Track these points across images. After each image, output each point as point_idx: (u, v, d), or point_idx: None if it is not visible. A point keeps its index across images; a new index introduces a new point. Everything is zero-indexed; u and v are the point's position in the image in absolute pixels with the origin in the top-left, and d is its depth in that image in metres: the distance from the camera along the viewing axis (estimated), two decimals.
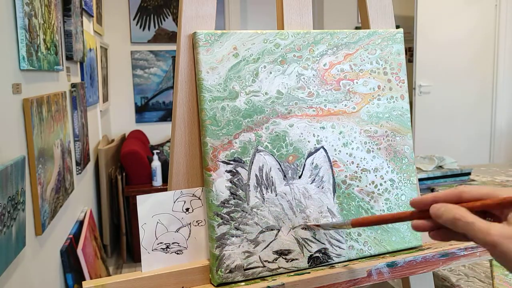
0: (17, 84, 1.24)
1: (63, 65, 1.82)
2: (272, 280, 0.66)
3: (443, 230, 0.50)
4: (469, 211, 0.46)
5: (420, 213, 0.51)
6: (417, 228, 0.51)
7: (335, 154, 0.72)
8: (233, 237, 0.66)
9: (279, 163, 0.69)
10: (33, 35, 1.34)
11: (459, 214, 0.46)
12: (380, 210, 0.75)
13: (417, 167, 1.70)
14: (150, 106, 4.15)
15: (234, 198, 0.66)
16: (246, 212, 0.67)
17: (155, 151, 3.15)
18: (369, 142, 0.75)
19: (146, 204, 0.65)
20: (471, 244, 0.76)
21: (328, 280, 0.67)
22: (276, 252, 0.68)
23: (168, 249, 0.66)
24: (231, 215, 0.66)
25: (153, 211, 0.65)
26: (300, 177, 0.70)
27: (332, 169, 0.72)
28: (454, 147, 4.11)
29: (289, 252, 0.69)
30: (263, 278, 0.67)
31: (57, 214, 1.57)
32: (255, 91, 0.68)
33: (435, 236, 0.51)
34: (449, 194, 0.49)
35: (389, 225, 0.75)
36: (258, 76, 0.69)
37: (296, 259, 0.69)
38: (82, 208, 2.21)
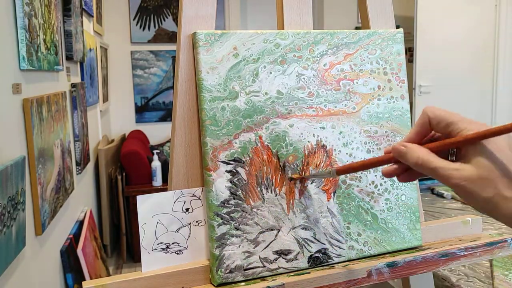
0: (17, 84, 1.24)
1: (63, 65, 1.82)
2: (272, 280, 0.66)
3: (410, 172, 0.50)
4: (433, 154, 0.47)
5: (389, 159, 0.51)
6: (386, 174, 0.51)
7: (335, 154, 0.72)
8: (233, 237, 0.66)
9: (279, 163, 0.69)
10: (33, 35, 1.34)
11: (421, 159, 0.47)
12: (380, 210, 0.75)
13: None
14: (150, 106, 4.15)
15: (234, 198, 0.66)
16: (246, 212, 0.67)
17: (155, 151, 3.15)
18: (369, 142, 0.75)
19: (146, 204, 0.65)
20: (471, 244, 0.76)
21: (328, 280, 0.67)
22: (276, 252, 0.68)
23: (168, 249, 0.66)
24: (231, 215, 0.66)
25: (153, 211, 0.65)
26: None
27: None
28: None
29: (289, 252, 0.69)
30: (263, 278, 0.67)
31: (57, 214, 1.57)
32: (255, 91, 0.68)
33: (404, 179, 0.51)
34: (418, 128, 0.49)
35: (389, 225, 0.75)
36: (258, 76, 0.69)
37: (296, 259, 0.69)
38: (82, 208, 2.21)
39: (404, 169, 0.50)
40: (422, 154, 0.47)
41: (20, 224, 1.14)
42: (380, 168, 0.75)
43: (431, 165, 0.46)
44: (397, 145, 0.49)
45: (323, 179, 0.71)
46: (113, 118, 4.01)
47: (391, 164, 0.51)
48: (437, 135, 0.50)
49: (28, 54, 1.28)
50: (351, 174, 0.73)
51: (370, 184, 0.74)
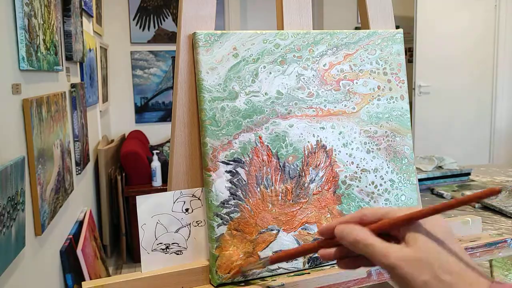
0: (16, 84, 1.24)
1: (62, 66, 1.82)
2: (272, 280, 0.66)
3: (350, 258, 0.48)
4: (371, 233, 0.45)
5: (327, 242, 0.50)
6: (323, 257, 0.50)
7: (335, 155, 0.72)
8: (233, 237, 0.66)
9: (279, 163, 0.69)
10: (32, 36, 1.34)
11: (359, 236, 0.45)
12: None
13: (416, 168, 1.70)
14: (150, 107, 4.15)
15: (234, 199, 0.66)
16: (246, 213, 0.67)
17: (154, 152, 3.15)
18: (369, 143, 0.75)
19: (145, 204, 0.65)
20: (470, 244, 0.76)
21: (328, 281, 0.67)
22: (276, 253, 0.68)
23: (167, 250, 0.66)
24: (231, 215, 0.66)
25: (153, 211, 0.65)
26: (300, 177, 0.70)
27: (332, 170, 0.72)
28: (453, 147, 4.11)
29: None
30: (262, 278, 0.67)
31: (56, 215, 1.57)
32: (255, 92, 0.68)
33: (344, 265, 0.49)
34: (353, 217, 0.48)
35: None
36: (258, 76, 0.69)
37: (296, 259, 0.69)
38: (82, 208, 2.21)
39: (342, 253, 0.48)
40: (359, 231, 0.45)
41: (19, 225, 1.14)
42: (379, 169, 0.75)
43: (367, 241, 0.44)
44: (340, 225, 0.47)
45: (323, 179, 0.71)
46: (112, 118, 4.01)
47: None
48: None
49: (27, 54, 1.28)
50: (351, 174, 0.73)
51: (370, 185, 0.74)
